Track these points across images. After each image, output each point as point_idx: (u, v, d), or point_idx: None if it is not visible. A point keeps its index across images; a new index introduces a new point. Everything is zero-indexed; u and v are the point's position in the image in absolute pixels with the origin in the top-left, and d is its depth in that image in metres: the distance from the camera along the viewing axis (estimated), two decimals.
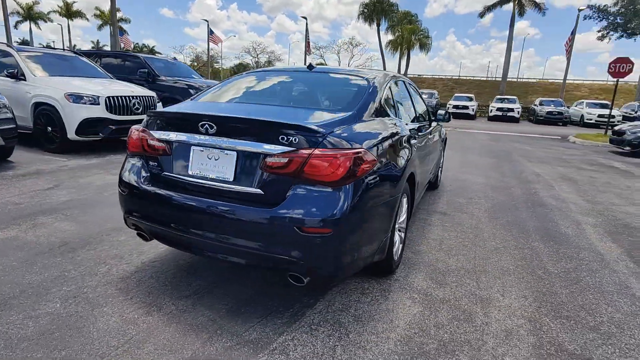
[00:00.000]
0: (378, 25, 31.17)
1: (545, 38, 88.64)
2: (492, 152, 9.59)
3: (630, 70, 13.12)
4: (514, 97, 25.15)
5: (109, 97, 6.17)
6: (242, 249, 1.98)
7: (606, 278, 2.87)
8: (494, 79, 58.91)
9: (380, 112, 2.54)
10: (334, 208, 1.85)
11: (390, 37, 29.28)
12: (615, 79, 13.50)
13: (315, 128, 1.90)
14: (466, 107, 23.93)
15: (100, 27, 44.37)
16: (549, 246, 3.46)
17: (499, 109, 23.42)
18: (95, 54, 9.84)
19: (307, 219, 1.84)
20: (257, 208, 1.91)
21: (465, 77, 62.93)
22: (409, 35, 26.37)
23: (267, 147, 1.91)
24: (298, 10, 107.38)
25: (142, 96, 6.75)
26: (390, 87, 2.91)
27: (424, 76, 53.21)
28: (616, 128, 10.83)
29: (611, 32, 14.39)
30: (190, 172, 2.13)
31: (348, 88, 2.73)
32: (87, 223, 3.40)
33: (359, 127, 2.16)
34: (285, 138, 1.90)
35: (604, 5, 14.27)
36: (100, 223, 3.41)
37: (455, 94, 27.15)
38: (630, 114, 20.04)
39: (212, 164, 2.08)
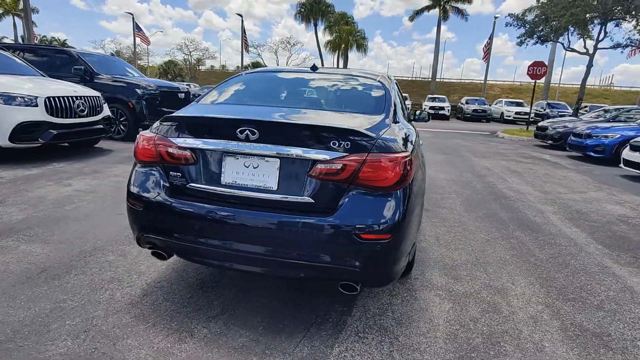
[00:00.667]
0: (315, 25, 31.58)
1: (460, 41, 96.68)
2: (440, 148, 10.22)
3: (545, 73, 14.89)
4: (444, 96, 27.10)
5: (49, 98, 5.43)
6: (294, 262, 1.87)
7: (586, 260, 3.21)
8: (420, 79, 62.89)
9: (396, 115, 2.56)
10: (391, 213, 1.83)
11: (327, 37, 29.92)
12: (533, 80, 15.17)
13: (369, 133, 1.86)
14: None
15: (0, 17, 38.90)
16: (528, 234, 3.78)
17: (431, 108, 25.02)
18: (17, 48, 8.59)
19: (366, 226, 1.79)
20: (312, 217, 1.82)
21: (394, 77, 66.19)
22: (346, 36, 27.09)
23: (318, 153, 1.83)
24: (226, 7, 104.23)
25: (87, 97, 6.06)
26: (395, 90, 2.95)
27: None
28: (539, 124, 12.21)
29: (528, 39, 16.17)
30: (223, 182, 1.96)
31: (366, 91, 2.71)
32: (60, 244, 2.96)
33: (394, 131, 2.15)
34: (338, 143, 1.83)
35: (522, 15, 15.98)
36: (76, 242, 2.99)
37: None
38: (540, 111, 22.73)
39: (250, 172, 1.93)
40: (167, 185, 2.04)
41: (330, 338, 2.02)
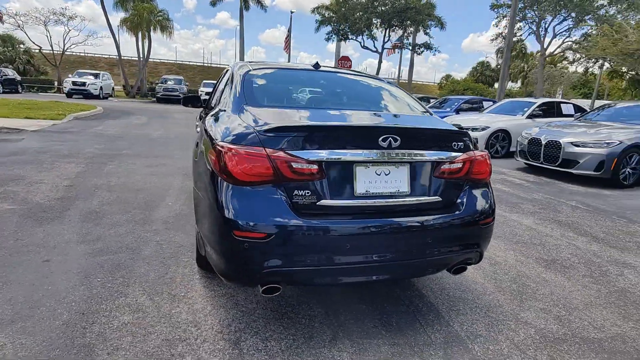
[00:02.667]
0: None
1: (246, 29, 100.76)
2: None
3: (350, 66, 17.62)
4: None
5: None
6: (433, 259, 1.99)
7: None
8: (209, 64, 62.36)
9: None
10: (492, 200, 2.19)
11: (122, 14, 25.16)
12: None
13: (468, 133, 2.13)
14: None
15: None
16: None
17: (207, 94, 25.54)
18: None
19: (484, 213, 2.09)
20: (450, 214, 1.98)
21: (187, 62, 63.35)
22: (147, 15, 23.56)
23: (443, 154, 1.99)
24: None
25: None
26: None
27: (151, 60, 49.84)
28: None
29: (334, 36, 18.68)
30: (356, 193, 1.85)
31: (400, 92, 2.85)
32: (12, 323, 1.94)
33: None
34: (455, 144, 2.03)
35: (329, 15, 18.27)
36: (40, 315, 2.03)
37: (204, 81, 27.35)
38: None
39: (382, 179, 1.90)
40: (291, 205, 1.75)
41: (441, 318, 2.25)
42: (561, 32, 19.99)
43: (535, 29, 19.47)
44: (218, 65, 62.78)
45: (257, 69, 2.65)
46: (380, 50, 19.04)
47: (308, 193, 1.78)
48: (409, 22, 16.99)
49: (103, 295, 2.25)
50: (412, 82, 33.54)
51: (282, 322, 2.12)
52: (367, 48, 20.08)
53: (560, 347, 2.05)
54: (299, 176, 1.75)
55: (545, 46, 20.42)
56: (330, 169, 1.81)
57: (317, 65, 2.93)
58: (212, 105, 3.34)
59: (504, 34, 18.42)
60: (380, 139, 1.83)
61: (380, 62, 19.51)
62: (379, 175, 1.89)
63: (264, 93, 2.40)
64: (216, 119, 2.26)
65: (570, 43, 21.17)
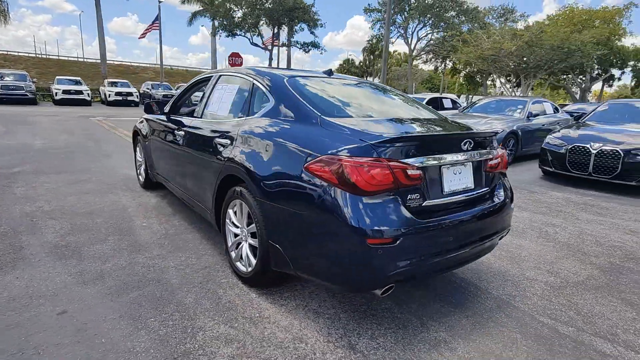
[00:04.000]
0: None
1: (91, 16, 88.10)
2: None
3: (242, 63, 17.27)
4: (126, 81, 24.90)
5: None
6: (492, 240, 2.38)
7: None
8: (46, 56, 52.06)
9: None
10: (509, 185, 2.70)
11: None
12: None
13: None
14: (80, 92, 21.29)
15: None
16: None
17: (117, 94, 22.57)
18: None
19: (511, 197, 2.58)
20: (497, 201, 2.40)
21: (15, 53, 51.58)
22: None
23: (491, 152, 2.39)
24: None
25: None
26: None
27: None
28: None
29: (220, 31, 17.95)
30: (444, 192, 2.11)
31: (412, 97, 3.13)
32: None
33: None
34: (495, 142, 2.46)
35: (217, 10, 17.43)
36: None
37: (58, 77, 22.99)
38: None
39: (457, 177, 2.20)
40: (404, 209, 1.92)
41: (481, 289, 2.68)
42: (423, 37, 23.64)
43: (403, 32, 22.57)
44: (59, 58, 52.58)
45: (292, 77, 2.63)
46: (270, 47, 19.19)
47: (417, 196, 1.97)
48: (296, 20, 17.64)
49: (176, 335, 2.01)
50: None
51: (370, 320, 2.25)
52: (256, 45, 19.97)
53: (565, 291, 2.70)
54: (411, 181, 1.92)
55: (412, 48, 23.82)
56: (427, 173, 2.03)
57: (330, 72, 3.03)
58: (211, 113, 3.15)
59: (379, 36, 20.68)
60: (462, 143, 2.13)
61: (271, 59, 19.69)
62: (455, 174, 2.19)
63: (324, 102, 2.43)
64: (287, 130, 2.22)
65: (424, 45, 25.03)
